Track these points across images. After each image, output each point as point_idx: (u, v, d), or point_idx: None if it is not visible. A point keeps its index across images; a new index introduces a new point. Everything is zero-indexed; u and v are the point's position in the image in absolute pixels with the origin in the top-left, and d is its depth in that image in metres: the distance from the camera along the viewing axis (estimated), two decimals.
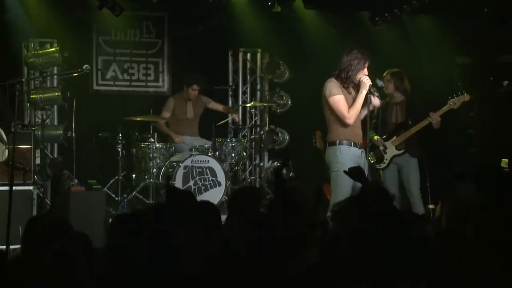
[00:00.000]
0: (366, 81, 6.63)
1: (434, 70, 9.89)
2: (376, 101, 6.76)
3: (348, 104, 6.69)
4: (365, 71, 6.70)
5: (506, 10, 9.35)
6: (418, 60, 9.67)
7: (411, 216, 4.06)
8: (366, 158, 6.85)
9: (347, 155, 6.68)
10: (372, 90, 6.66)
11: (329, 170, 6.85)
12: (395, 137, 7.81)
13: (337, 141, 6.75)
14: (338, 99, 6.67)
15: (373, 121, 7.77)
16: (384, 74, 7.86)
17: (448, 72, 10.40)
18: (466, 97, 7.56)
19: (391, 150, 7.80)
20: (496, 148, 9.03)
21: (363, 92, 6.64)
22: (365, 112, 6.79)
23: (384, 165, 7.80)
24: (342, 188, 6.47)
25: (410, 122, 7.76)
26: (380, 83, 6.88)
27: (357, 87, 6.72)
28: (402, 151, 7.77)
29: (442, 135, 7.91)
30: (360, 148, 6.76)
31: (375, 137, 7.75)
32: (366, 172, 6.62)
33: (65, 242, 3.57)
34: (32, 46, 9.38)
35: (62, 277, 3.25)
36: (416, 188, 7.70)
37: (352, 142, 6.72)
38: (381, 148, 7.79)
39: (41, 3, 9.64)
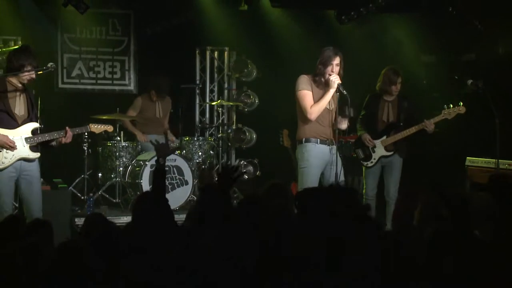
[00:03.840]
0: (334, 79, 6.67)
1: (400, 68, 9.95)
2: (343, 125, 6.91)
3: (315, 99, 6.74)
4: (336, 67, 6.73)
5: (469, 9, 9.46)
6: (383, 58, 9.73)
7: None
8: (339, 154, 6.86)
9: (313, 151, 6.77)
10: (340, 88, 6.70)
11: (298, 167, 6.88)
12: (385, 137, 7.76)
13: (303, 139, 6.85)
14: (303, 94, 6.77)
15: (362, 113, 7.81)
16: (386, 70, 7.84)
17: (414, 71, 10.48)
18: (462, 109, 7.56)
19: (380, 150, 7.76)
20: (461, 147, 9.12)
21: (330, 90, 6.71)
22: (345, 120, 6.88)
23: (372, 164, 7.76)
24: (309, 185, 6.50)
25: (401, 124, 7.75)
26: (347, 111, 6.93)
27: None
28: (391, 152, 7.75)
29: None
30: (328, 145, 6.79)
31: (361, 132, 7.73)
32: (339, 168, 6.72)
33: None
34: None
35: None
36: (394, 188, 7.71)
37: (319, 140, 6.77)
38: (370, 146, 7.76)
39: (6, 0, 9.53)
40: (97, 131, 7.21)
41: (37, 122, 6.65)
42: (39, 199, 6.56)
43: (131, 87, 10.57)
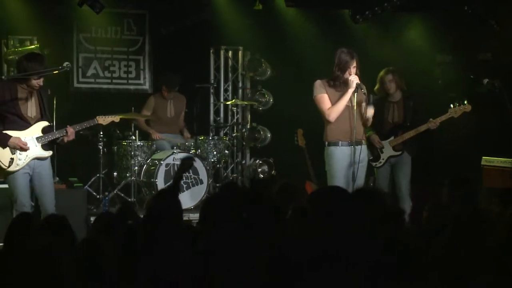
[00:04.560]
0: (353, 78, 6.70)
1: (415, 68, 9.93)
2: (370, 112, 6.86)
3: (333, 101, 6.74)
4: (353, 70, 6.74)
5: (485, 8, 9.41)
6: (398, 58, 9.70)
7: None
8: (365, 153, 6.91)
9: (335, 154, 6.81)
10: (359, 88, 6.71)
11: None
12: (392, 138, 7.81)
13: (326, 142, 6.90)
14: (319, 98, 6.83)
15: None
16: (383, 74, 7.86)
17: (429, 70, 10.45)
18: (467, 107, 7.62)
19: (388, 151, 7.81)
20: (476, 146, 9.08)
21: (349, 91, 6.72)
22: (371, 111, 6.86)
23: (380, 164, 7.81)
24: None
25: (408, 124, 7.78)
26: (370, 98, 6.90)
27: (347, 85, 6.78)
28: (399, 152, 7.80)
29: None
30: (350, 145, 6.78)
31: (370, 133, 7.74)
32: (364, 167, 6.73)
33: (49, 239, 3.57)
34: (12, 43, 9.32)
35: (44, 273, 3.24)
36: (405, 184, 7.76)
37: (340, 142, 6.78)
38: (378, 147, 7.79)
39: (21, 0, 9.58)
40: (104, 123, 7.28)
41: (48, 121, 6.73)
42: (51, 192, 6.70)
43: (146, 86, 10.60)
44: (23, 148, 6.50)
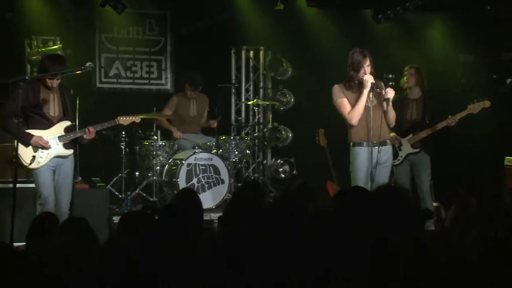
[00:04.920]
0: (367, 78, 6.66)
1: (437, 68, 9.89)
2: (390, 93, 6.73)
3: (352, 104, 6.74)
4: (367, 68, 6.71)
5: (508, 8, 9.34)
6: (420, 57, 9.66)
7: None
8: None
9: (359, 155, 6.77)
10: (374, 87, 6.68)
11: None
12: (411, 135, 7.84)
13: (351, 143, 6.86)
14: (339, 103, 6.81)
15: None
16: (407, 68, 7.88)
17: (451, 70, 10.40)
18: (486, 103, 7.61)
19: (406, 148, 7.85)
20: (499, 146, 9.03)
21: (364, 91, 6.68)
22: (391, 93, 6.76)
23: (398, 162, 7.85)
24: None
25: (427, 122, 7.77)
26: (390, 75, 6.83)
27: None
28: (417, 149, 7.83)
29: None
30: (374, 146, 6.73)
31: (391, 134, 7.73)
32: (387, 168, 6.70)
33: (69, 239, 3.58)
34: (35, 43, 9.39)
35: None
36: (426, 185, 7.78)
37: (365, 143, 6.75)
38: (396, 145, 7.80)
39: (44, 0, 9.65)
40: (125, 123, 7.39)
41: (71, 120, 6.84)
42: (69, 191, 6.85)
43: (168, 86, 10.64)
44: (44, 147, 6.67)
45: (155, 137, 9.11)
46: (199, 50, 10.21)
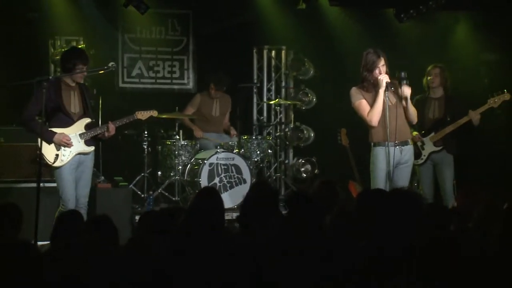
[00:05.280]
0: (382, 78, 6.62)
1: (460, 66, 9.83)
2: (406, 90, 6.70)
3: (371, 105, 6.71)
4: (382, 68, 6.68)
5: None
6: (443, 56, 9.60)
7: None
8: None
9: (379, 155, 6.73)
10: (389, 86, 6.64)
11: None
12: (433, 134, 7.80)
13: (372, 144, 6.84)
14: (357, 104, 6.77)
15: None
16: (431, 67, 7.83)
17: (474, 69, 10.33)
18: (506, 96, 7.58)
19: (429, 147, 7.81)
20: None
21: (380, 91, 6.63)
22: (407, 90, 6.72)
23: (422, 161, 7.81)
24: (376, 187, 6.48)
25: (448, 119, 7.73)
26: (403, 74, 6.77)
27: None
28: (440, 148, 7.78)
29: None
30: (395, 146, 6.70)
31: (414, 133, 7.69)
32: (408, 167, 6.68)
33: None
34: (59, 43, 9.48)
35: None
36: (449, 185, 7.73)
37: (386, 143, 6.71)
38: (419, 144, 7.77)
39: (68, 1, 9.72)
40: (143, 118, 7.46)
41: (91, 117, 6.90)
42: (88, 184, 6.96)
43: (190, 86, 10.67)
44: (67, 145, 6.75)
45: (177, 137, 9.14)
46: (221, 49, 10.23)
